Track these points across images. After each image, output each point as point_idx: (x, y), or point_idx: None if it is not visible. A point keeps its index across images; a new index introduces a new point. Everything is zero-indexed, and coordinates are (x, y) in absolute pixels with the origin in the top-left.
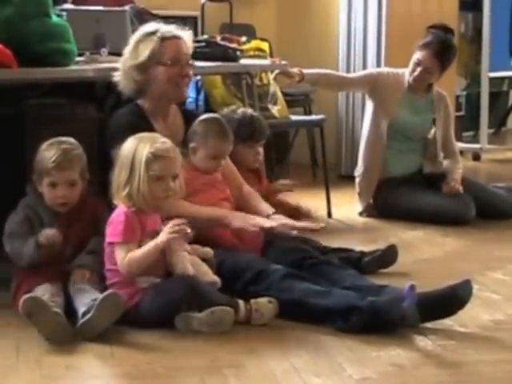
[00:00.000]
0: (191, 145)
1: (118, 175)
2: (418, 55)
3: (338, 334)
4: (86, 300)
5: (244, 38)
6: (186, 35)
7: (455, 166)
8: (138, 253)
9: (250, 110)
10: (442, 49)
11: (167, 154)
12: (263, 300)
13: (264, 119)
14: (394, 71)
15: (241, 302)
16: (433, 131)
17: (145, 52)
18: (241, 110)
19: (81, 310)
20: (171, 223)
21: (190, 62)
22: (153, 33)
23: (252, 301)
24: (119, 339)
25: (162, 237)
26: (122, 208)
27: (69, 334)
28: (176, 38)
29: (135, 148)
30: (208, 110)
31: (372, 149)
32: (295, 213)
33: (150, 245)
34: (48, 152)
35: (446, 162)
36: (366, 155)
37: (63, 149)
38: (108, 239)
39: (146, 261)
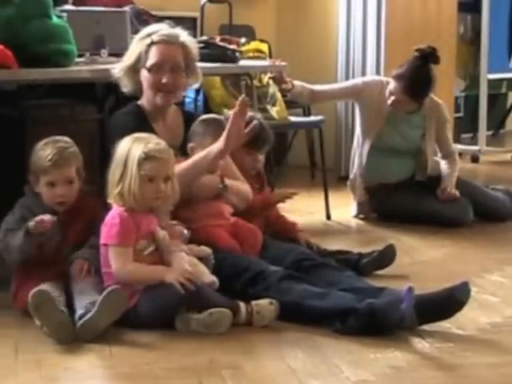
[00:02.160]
0: (190, 145)
1: (112, 174)
2: (391, 85)
3: (335, 336)
4: (83, 302)
5: (243, 40)
6: (187, 40)
7: (451, 169)
8: (141, 270)
9: (259, 116)
10: (411, 86)
11: (160, 155)
12: (264, 302)
13: (270, 129)
14: (384, 81)
15: (242, 304)
16: (426, 138)
17: (133, 55)
18: (249, 115)
19: (78, 312)
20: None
21: (179, 68)
22: (148, 35)
23: (253, 302)
24: (118, 340)
25: (173, 276)
26: (117, 209)
27: (71, 334)
28: (166, 43)
29: (129, 147)
30: (207, 110)
31: (358, 160)
32: (291, 228)
33: (157, 271)
34: (43, 151)
35: (442, 164)
36: (354, 163)
37: (58, 147)
38: (102, 241)
39: (144, 279)
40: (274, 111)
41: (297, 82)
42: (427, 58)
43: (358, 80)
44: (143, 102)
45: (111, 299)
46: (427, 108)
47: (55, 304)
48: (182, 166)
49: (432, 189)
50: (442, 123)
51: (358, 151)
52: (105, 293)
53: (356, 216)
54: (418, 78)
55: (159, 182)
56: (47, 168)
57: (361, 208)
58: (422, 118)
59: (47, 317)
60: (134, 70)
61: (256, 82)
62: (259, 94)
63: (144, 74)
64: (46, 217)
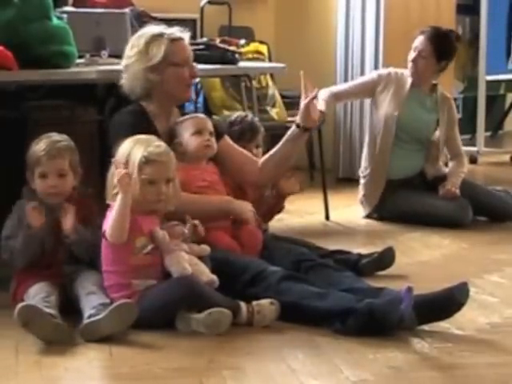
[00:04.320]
0: (175, 141)
1: (112, 176)
2: (416, 41)
3: (335, 336)
4: (93, 303)
5: (242, 41)
6: (187, 37)
7: (457, 170)
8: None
9: (244, 113)
10: (437, 35)
11: (160, 158)
12: (265, 302)
13: (258, 121)
14: (398, 71)
15: (242, 304)
16: (436, 134)
17: (158, 53)
18: (236, 114)
19: (87, 311)
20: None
21: (193, 62)
22: (160, 35)
23: (254, 303)
24: (118, 340)
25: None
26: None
27: (66, 334)
28: (182, 39)
29: (130, 150)
30: (207, 112)
31: (380, 148)
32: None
33: (117, 203)
34: (38, 145)
35: (450, 164)
36: (372, 155)
37: (52, 140)
38: (103, 231)
39: (119, 218)
40: (273, 112)
41: (325, 100)
42: (447, 29)
43: (372, 74)
44: (147, 103)
45: (123, 310)
46: (440, 97)
47: (42, 312)
48: (196, 201)
49: (434, 189)
50: (452, 119)
51: (382, 143)
52: (118, 302)
53: (369, 216)
54: (442, 31)
55: (160, 184)
56: (40, 158)
57: (375, 208)
58: (434, 103)
59: (38, 330)
60: (156, 69)
61: (256, 84)
62: (259, 96)
63: (172, 71)
64: (33, 203)
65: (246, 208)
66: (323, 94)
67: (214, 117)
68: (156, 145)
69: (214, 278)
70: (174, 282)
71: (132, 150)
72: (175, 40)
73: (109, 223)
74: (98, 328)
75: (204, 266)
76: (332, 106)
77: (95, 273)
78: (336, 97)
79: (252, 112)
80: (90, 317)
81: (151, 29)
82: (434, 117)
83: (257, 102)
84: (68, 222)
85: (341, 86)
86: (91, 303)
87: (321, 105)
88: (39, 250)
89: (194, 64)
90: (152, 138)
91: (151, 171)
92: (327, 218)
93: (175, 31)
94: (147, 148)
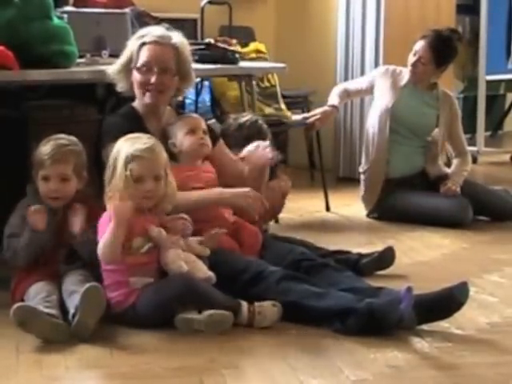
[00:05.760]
0: (169, 142)
1: (105, 176)
2: (417, 45)
3: (335, 336)
4: (75, 301)
5: (234, 41)
6: (179, 42)
7: (460, 168)
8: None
9: (255, 117)
10: (437, 41)
11: (145, 155)
12: (267, 303)
13: (267, 127)
14: (397, 68)
15: (244, 304)
16: (436, 131)
17: (125, 55)
18: (247, 117)
19: (71, 311)
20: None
21: (169, 69)
22: (142, 36)
23: (256, 304)
24: (118, 340)
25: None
26: (109, 210)
27: (65, 333)
28: (157, 43)
29: (119, 148)
30: (218, 112)
31: (377, 142)
32: None
33: (110, 226)
34: (45, 147)
35: (454, 162)
36: (370, 150)
37: (58, 144)
38: (99, 238)
39: (112, 241)
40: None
41: (336, 98)
42: (450, 29)
43: (373, 71)
44: (137, 103)
45: (89, 295)
46: (440, 94)
47: (39, 312)
48: (190, 197)
49: (435, 189)
50: (455, 116)
51: (378, 137)
52: (82, 292)
53: (369, 215)
54: (443, 37)
55: (147, 181)
56: (43, 162)
57: (375, 206)
58: (435, 100)
59: (35, 328)
60: (126, 69)
61: (266, 83)
62: (271, 94)
63: (134, 74)
64: (36, 207)
65: (242, 196)
66: (337, 89)
67: (231, 115)
68: (143, 142)
69: (211, 274)
70: (169, 279)
71: (121, 148)
72: (146, 44)
73: (100, 245)
74: (82, 324)
75: (201, 263)
76: (344, 102)
77: (80, 272)
78: (348, 93)
79: (253, 111)
80: (73, 316)
81: (143, 30)
82: (433, 112)
83: (271, 101)
84: (77, 223)
85: (352, 83)
86: (73, 302)
87: (334, 100)
88: (41, 250)
89: (172, 71)
90: (143, 135)
91: (137, 167)
92: (328, 209)
93: (160, 34)
94: (134, 145)
